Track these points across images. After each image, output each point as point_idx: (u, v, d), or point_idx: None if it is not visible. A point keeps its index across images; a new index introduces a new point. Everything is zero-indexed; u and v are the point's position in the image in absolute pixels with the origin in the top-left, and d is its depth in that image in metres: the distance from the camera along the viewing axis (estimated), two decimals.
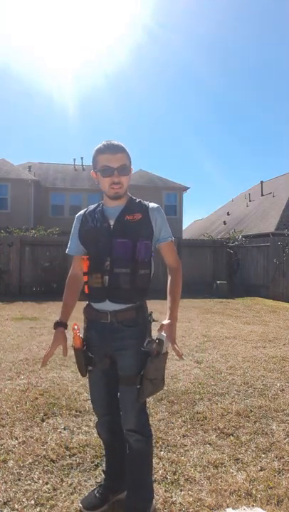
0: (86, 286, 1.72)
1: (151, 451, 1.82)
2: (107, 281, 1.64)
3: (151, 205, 1.76)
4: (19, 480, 2.06)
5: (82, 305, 1.83)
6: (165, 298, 1.74)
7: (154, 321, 1.78)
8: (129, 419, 1.70)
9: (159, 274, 2.28)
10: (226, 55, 60.09)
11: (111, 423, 1.84)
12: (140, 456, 1.73)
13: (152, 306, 1.77)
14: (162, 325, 1.66)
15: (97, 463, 2.22)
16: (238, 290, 12.87)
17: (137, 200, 1.77)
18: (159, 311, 1.84)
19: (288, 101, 69.87)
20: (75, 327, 1.74)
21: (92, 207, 1.82)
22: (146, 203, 1.77)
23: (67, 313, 1.84)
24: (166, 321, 1.68)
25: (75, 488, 1.98)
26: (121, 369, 1.69)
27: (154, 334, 1.68)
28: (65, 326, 1.81)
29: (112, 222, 1.69)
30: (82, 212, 1.84)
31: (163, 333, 1.64)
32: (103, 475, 1.97)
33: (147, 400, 2.53)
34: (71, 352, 1.75)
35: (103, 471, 1.97)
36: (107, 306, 1.67)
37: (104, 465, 1.99)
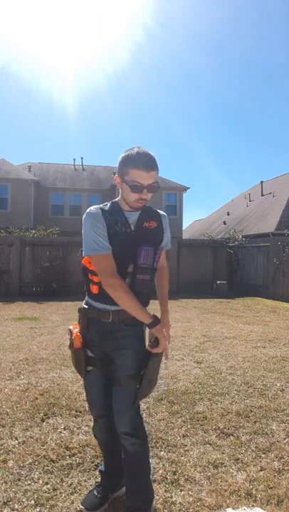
0: (96, 287, 1.67)
1: (148, 452, 1.81)
2: (129, 286, 1.64)
3: (161, 213, 1.82)
4: (19, 480, 2.06)
5: (78, 306, 1.83)
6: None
7: None
8: (123, 421, 1.69)
9: None
10: (226, 55, 60.10)
11: (108, 424, 1.83)
12: (137, 458, 1.73)
13: (151, 306, 1.77)
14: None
15: (97, 463, 2.22)
16: (238, 290, 12.87)
17: (147, 205, 1.76)
18: (158, 311, 1.85)
19: (288, 101, 69.89)
20: (74, 327, 1.75)
21: (106, 207, 1.70)
22: (155, 210, 1.81)
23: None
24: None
25: (75, 488, 1.98)
26: (119, 369, 1.68)
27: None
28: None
29: (132, 228, 1.69)
30: (99, 211, 1.67)
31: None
32: (100, 475, 1.97)
33: (147, 399, 2.53)
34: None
35: (100, 471, 1.98)
36: (110, 305, 1.67)
37: (102, 465, 1.99)
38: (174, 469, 2.17)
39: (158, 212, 1.80)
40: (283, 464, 2.25)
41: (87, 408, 2.96)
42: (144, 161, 1.56)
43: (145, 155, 1.58)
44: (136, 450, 1.71)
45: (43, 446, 2.42)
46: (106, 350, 1.71)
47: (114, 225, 1.65)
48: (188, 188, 21.50)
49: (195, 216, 65.05)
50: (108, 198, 1.89)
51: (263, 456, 2.35)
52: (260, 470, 2.19)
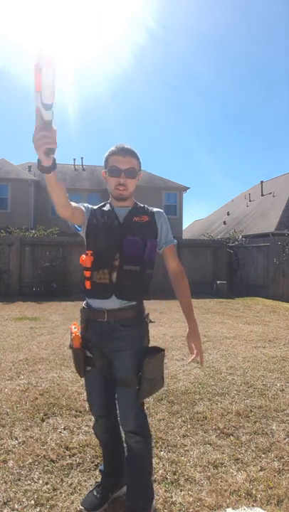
0: (88, 283, 1.68)
1: (151, 451, 1.82)
2: (116, 277, 1.64)
3: (156, 209, 1.83)
4: (19, 480, 2.06)
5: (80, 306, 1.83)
6: (164, 298, 1.77)
7: (151, 322, 1.80)
8: (128, 420, 1.69)
9: (158, 274, 2.29)
10: (226, 55, 60.10)
11: (109, 423, 1.84)
12: (140, 457, 1.73)
13: (151, 306, 1.78)
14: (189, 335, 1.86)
15: (97, 463, 2.22)
16: (238, 290, 12.87)
17: (142, 205, 1.82)
18: (159, 311, 1.85)
19: (288, 101, 69.87)
20: (74, 327, 1.74)
21: (96, 206, 1.82)
22: (150, 208, 1.83)
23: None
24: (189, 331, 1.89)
25: (75, 488, 1.98)
26: (118, 370, 1.68)
27: (151, 333, 1.68)
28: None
29: (121, 221, 1.71)
30: (86, 206, 1.77)
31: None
32: (101, 475, 1.97)
33: (147, 400, 2.53)
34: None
35: (100, 470, 1.98)
36: (105, 304, 1.67)
37: (102, 465, 1.99)
38: (174, 469, 2.17)
39: (149, 209, 1.82)
40: (283, 464, 2.25)
41: (87, 408, 2.96)
42: (121, 148, 1.69)
43: (122, 145, 1.71)
44: (140, 448, 1.71)
45: (43, 446, 2.42)
46: (104, 350, 1.70)
47: (101, 218, 1.72)
48: (188, 188, 21.51)
49: (195, 216, 65.04)
50: (108, 198, 1.92)
51: (263, 456, 2.35)
52: (260, 470, 2.19)
